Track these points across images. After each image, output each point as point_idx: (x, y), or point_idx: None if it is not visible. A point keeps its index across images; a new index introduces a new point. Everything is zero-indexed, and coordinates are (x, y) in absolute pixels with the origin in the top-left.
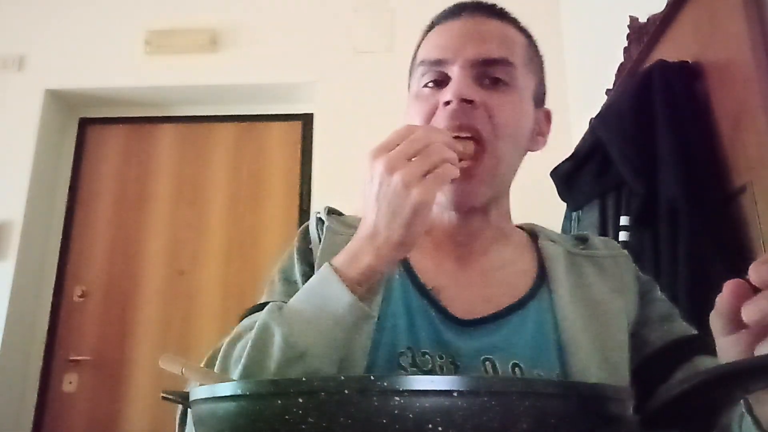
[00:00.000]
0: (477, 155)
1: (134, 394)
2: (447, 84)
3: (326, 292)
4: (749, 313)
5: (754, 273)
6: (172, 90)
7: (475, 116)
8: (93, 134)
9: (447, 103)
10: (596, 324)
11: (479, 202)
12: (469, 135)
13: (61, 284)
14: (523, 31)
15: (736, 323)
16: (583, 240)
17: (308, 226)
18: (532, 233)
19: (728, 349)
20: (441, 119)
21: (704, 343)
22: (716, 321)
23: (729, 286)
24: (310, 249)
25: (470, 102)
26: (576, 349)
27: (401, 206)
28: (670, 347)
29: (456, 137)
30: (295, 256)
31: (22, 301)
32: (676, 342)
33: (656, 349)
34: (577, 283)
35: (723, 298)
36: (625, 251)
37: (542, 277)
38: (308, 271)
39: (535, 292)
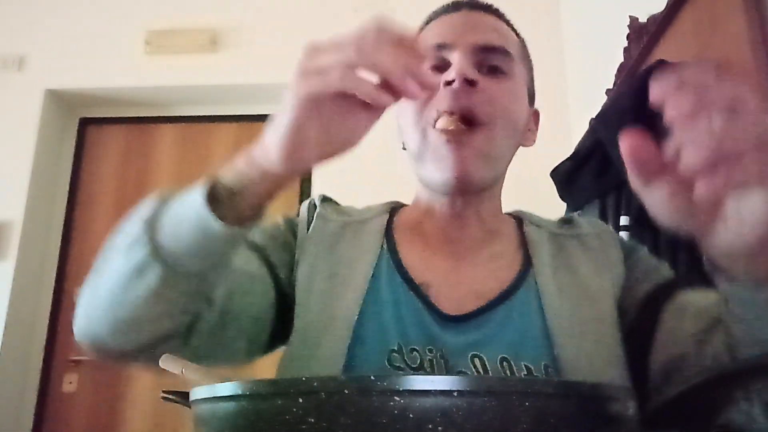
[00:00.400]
0: (471, 130)
1: (134, 394)
2: (447, 69)
3: (192, 192)
4: (670, 107)
5: (654, 88)
6: (172, 90)
7: (476, 99)
8: (93, 134)
9: (449, 83)
10: (584, 307)
11: (476, 178)
12: (462, 120)
13: (61, 284)
14: (515, 31)
15: (649, 169)
16: (567, 221)
17: (303, 204)
18: (518, 219)
19: (652, 196)
20: (441, 99)
21: (685, 281)
22: (633, 177)
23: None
24: (296, 224)
25: (473, 83)
26: (564, 336)
27: (283, 109)
28: (652, 294)
29: (451, 113)
30: (281, 221)
31: (22, 301)
32: (658, 287)
33: (640, 300)
34: (563, 267)
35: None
36: (609, 227)
37: (528, 264)
38: (279, 238)
39: (520, 281)
